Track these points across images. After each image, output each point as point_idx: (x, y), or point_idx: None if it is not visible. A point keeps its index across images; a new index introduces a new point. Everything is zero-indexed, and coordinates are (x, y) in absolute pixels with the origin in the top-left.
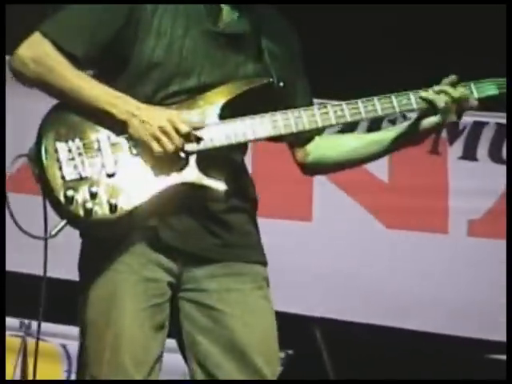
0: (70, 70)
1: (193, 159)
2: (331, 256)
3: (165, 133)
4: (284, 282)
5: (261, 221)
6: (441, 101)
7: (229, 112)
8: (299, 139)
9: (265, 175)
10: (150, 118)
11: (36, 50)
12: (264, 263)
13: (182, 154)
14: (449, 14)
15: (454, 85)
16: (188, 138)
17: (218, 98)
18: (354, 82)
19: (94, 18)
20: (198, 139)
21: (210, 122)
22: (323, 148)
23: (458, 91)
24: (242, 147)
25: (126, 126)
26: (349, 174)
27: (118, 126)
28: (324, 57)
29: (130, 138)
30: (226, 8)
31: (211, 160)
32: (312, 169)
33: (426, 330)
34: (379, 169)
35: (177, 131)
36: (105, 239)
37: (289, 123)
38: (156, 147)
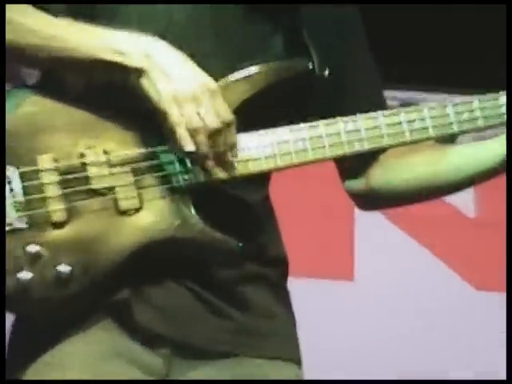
0: (47, 18)
1: (189, 200)
2: (376, 320)
3: (196, 101)
4: (321, 347)
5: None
6: None
7: (244, 117)
8: (352, 162)
9: (291, 223)
10: (181, 74)
11: None
12: (298, 361)
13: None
14: (448, 14)
15: None
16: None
17: (230, 95)
18: None
19: None
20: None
21: None
22: (387, 173)
23: None
24: (263, 180)
25: (139, 77)
26: (411, 210)
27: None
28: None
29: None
30: None
31: (215, 201)
32: (370, 203)
33: None
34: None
35: (214, 110)
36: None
37: (339, 140)
38: (176, 115)
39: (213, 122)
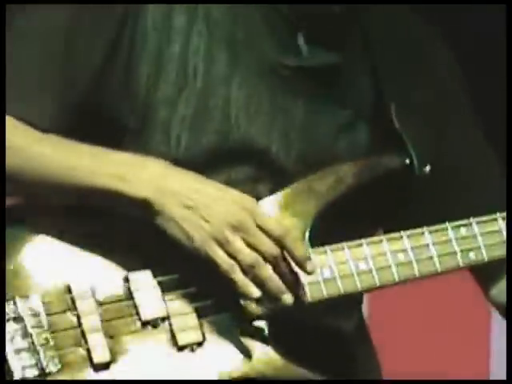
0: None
1: (263, 331)
2: None
3: (241, 231)
4: None
5: None
6: None
7: (327, 223)
8: (492, 266)
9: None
10: (205, 202)
11: None
12: None
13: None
14: (447, 14)
15: None
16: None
17: (311, 198)
18: None
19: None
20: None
21: None
22: None
23: None
24: (357, 302)
25: (147, 213)
26: None
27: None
28: None
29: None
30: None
31: (296, 330)
32: None
33: None
34: None
35: (264, 233)
36: None
37: (450, 250)
38: (223, 260)
39: (270, 248)
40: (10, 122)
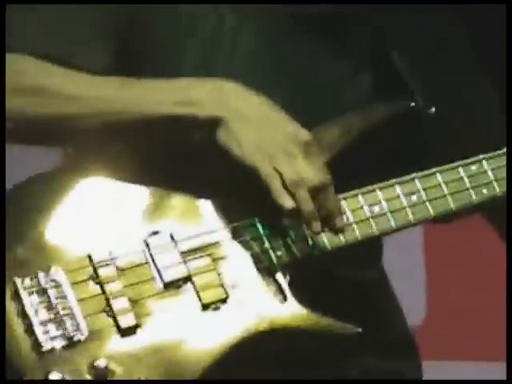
0: (84, 78)
1: (284, 282)
2: None
3: (288, 154)
4: None
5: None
6: None
7: (340, 169)
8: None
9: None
10: (266, 121)
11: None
12: None
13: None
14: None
15: None
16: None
17: (323, 145)
18: None
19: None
20: None
21: None
22: None
23: None
24: (380, 248)
25: (213, 128)
26: None
27: None
28: None
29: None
30: None
31: (315, 279)
32: None
33: None
34: None
35: (310, 164)
36: None
37: (463, 187)
38: (266, 168)
39: (311, 177)
40: (62, 71)
